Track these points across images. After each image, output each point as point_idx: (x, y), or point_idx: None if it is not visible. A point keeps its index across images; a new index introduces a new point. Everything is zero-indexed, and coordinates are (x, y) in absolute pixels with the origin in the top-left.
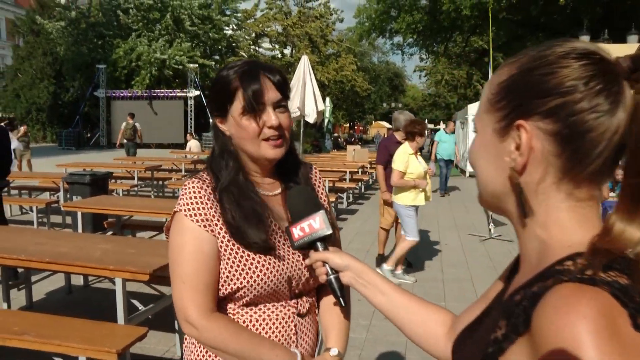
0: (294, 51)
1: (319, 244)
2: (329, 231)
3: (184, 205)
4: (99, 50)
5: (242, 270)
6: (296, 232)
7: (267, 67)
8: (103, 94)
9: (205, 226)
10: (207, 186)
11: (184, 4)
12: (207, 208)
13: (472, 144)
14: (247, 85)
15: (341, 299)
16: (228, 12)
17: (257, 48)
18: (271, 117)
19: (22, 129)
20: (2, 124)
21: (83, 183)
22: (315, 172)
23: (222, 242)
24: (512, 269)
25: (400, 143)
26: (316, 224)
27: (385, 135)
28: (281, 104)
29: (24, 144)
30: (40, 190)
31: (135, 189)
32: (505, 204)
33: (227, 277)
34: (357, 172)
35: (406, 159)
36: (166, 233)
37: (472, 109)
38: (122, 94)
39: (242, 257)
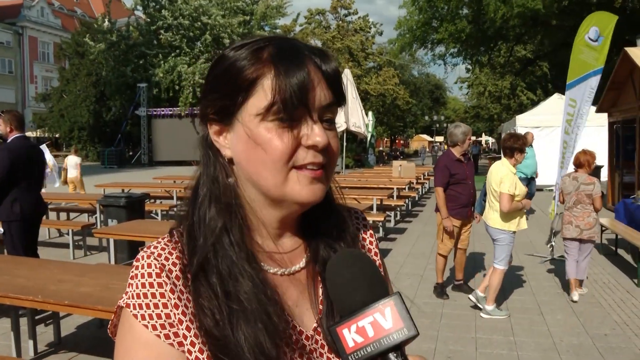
0: None
1: (392, 355)
2: (412, 332)
3: (132, 298)
4: (140, 70)
5: None
6: (349, 337)
7: (313, 48)
8: (144, 112)
9: (167, 337)
10: (174, 264)
11: (223, 22)
12: (171, 305)
13: None
14: (282, 70)
15: None
16: (267, 29)
17: None
18: (315, 131)
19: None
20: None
21: (118, 206)
22: (365, 223)
23: None
24: None
25: (459, 160)
26: (387, 320)
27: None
28: (328, 117)
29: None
30: (78, 211)
31: (175, 209)
32: None
33: None
34: (404, 188)
35: (514, 180)
36: (112, 335)
37: (521, 120)
38: (163, 112)
39: None
